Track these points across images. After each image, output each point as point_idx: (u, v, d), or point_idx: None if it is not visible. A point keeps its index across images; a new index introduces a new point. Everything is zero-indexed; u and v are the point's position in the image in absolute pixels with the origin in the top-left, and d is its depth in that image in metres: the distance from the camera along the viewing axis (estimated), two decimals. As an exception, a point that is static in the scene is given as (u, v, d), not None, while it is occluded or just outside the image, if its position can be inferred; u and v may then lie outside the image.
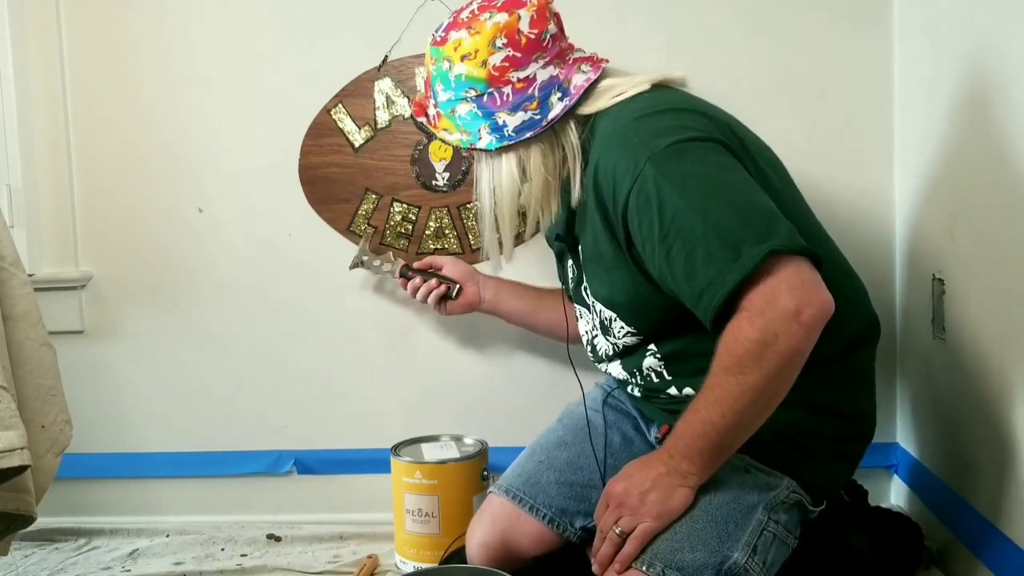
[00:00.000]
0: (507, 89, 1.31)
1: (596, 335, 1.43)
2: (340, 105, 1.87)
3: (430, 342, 1.91)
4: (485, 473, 1.71)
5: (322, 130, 1.87)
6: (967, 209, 1.46)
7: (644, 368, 1.38)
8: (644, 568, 1.17)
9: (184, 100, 1.90)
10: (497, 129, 1.32)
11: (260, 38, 1.87)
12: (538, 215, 1.36)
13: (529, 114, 1.31)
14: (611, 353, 1.42)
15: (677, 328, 1.29)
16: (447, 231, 1.88)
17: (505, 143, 1.32)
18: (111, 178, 1.93)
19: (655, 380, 1.38)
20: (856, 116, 1.77)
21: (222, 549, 1.86)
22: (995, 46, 1.34)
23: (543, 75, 1.31)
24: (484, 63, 1.29)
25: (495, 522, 1.46)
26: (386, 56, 1.84)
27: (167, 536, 1.92)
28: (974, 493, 1.46)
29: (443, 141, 1.40)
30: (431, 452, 1.73)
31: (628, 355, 1.40)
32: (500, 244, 1.43)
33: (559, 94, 1.32)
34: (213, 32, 1.88)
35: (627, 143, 1.23)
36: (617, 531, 1.19)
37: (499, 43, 1.29)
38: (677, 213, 1.16)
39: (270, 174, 1.89)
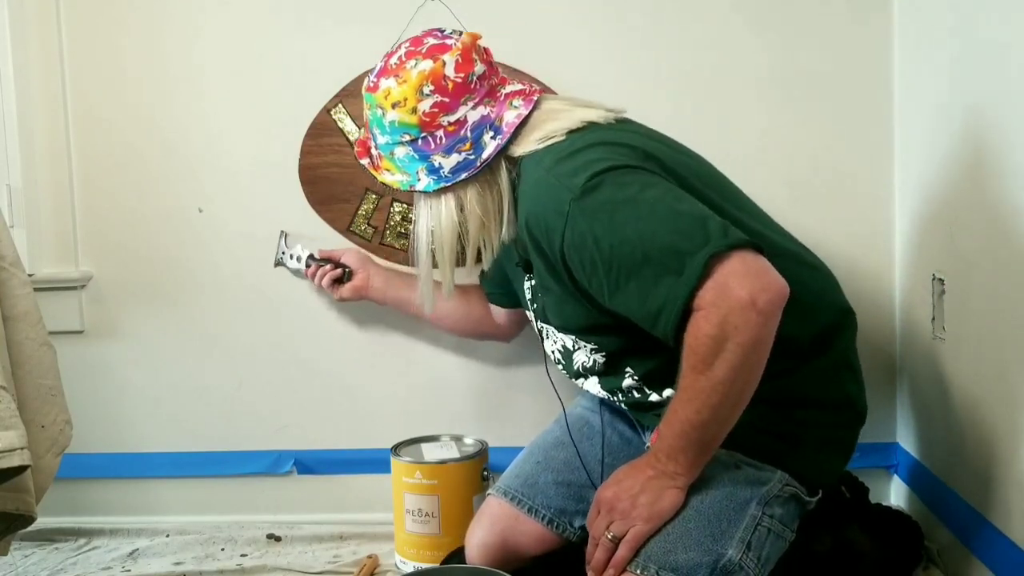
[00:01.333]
0: (439, 133, 1.33)
1: (577, 348, 1.41)
2: (340, 105, 1.86)
3: (430, 342, 1.90)
4: (485, 473, 1.71)
5: (322, 130, 1.87)
6: (967, 209, 1.46)
7: (624, 387, 1.38)
8: (639, 571, 1.17)
9: (184, 100, 1.90)
10: (434, 171, 1.35)
11: (260, 38, 1.87)
12: (479, 251, 1.38)
13: (463, 155, 1.33)
14: (589, 367, 1.41)
15: (645, 345, 1.28)
16: (447, 231, 1.88)
17: (443, 184, 1.35)
18: (111, 178, 1.93)
19: (636, 396, 1.39)
20: (856, 116, 1.77)
21: (222, 549, 1.86)
22: (996, 45, 1.34)
23: (474, 116, 1.33)
24: (414, 110, 1.32)
25: (494, 523, 1.46)
26: (386, 56, 1.83)
27: (167, 536, 1.92)
28: (974, 493, 1.46)
29: (385, 184, 1.42)
30: (431, 452, 1.73)
31: (605, 375, 1.40)
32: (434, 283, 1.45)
33: (491, 132, 1.33)
34: (213, 32, 1.88)
35: (550, 189, 1.25)
36: (609, 536, 1.20)
37: (426, 90, 1.31)
38: (613, 245, 1.18)
39: (270, 174, 1.89)
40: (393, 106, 1.33)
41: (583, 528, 1.45)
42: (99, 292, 1.96)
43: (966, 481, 1.49)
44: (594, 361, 1.39)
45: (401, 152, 1.36)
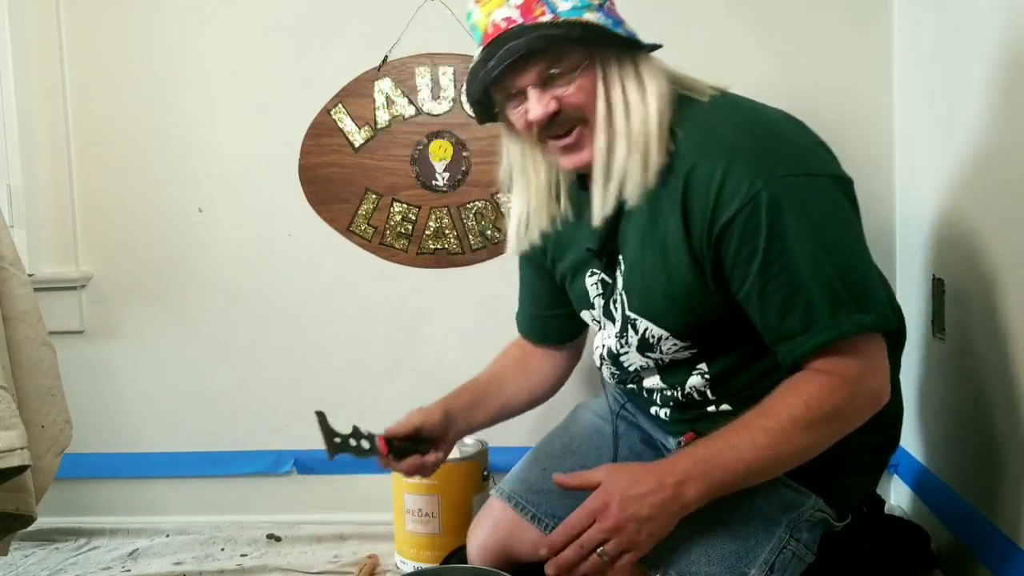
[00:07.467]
0: (612, 6, 1.22)
1: (627, 352, 1.31)
2: (340, 105, 1.87)
3: (430, 341, 1.90)
4: (485, 473, 1.71)
5: (322, 130, 1.87)
6: (967, 209, 1.46)
7: (687, 386, 1.29)
8: None
9: (184, 100, 1.90)
10: (631, 36, 1.20)
11: (260, 38, 1.87)
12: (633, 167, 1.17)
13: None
14: (647, 367, 1.31)
15: (732, 343, 1.24)
16: (447, 231, 1.88)
17: (646, 47, 1.21)
18: (111, 178, 1.93)
19: (696, 398, 1.30)
20: (856, 116, 1.77)
21: (222, 549, 1.86)
22: (995, 46, 1.34)
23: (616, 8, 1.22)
24: None
25: (496, 527, 1.44)
26: (386, 56, 1.84)
27: (167, 536, 1.92)
28: (974, 493, 1.46)
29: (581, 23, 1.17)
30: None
31: (671, 369, 1.30)
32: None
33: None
34: (214, 32, 1.88)
35: (740, 158, 1.13)
36: (599, 552, 1.12)
37: None
38: (785, 251, 1.11)
39: (270, 174, 1.89)
40: None
41: None
42: (99, 292, 1.96)
43: (967, 481, 1.49)
44: (672, 359, 1.28)
45: (592, 18, 1.17)
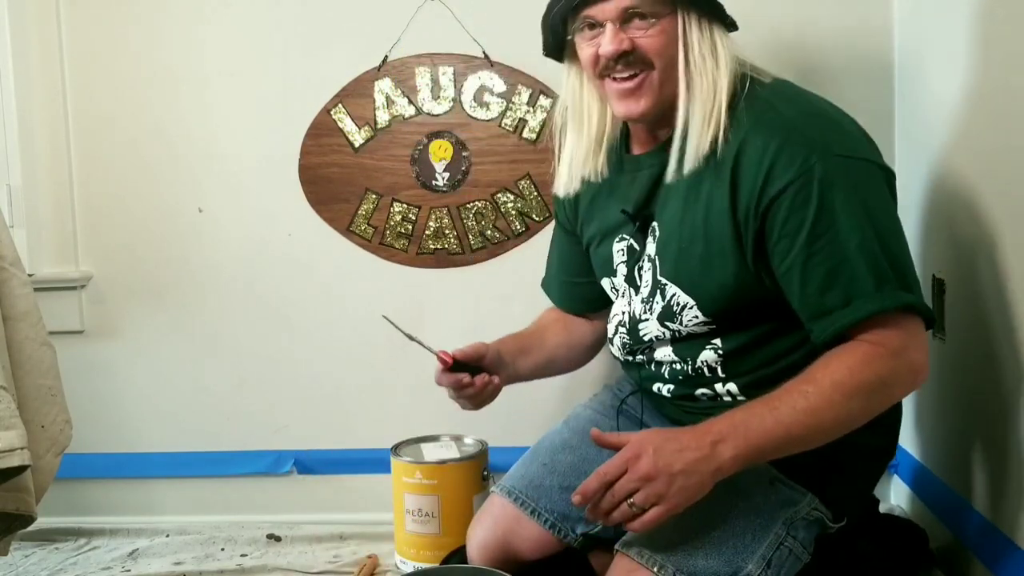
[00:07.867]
0: None
1: (647, 319, 1.33)
2: (340, 105, 1.87)
3: (430, 341, 1.90)
4: (485, 473, 1.71)
5: (322, 130, 1.87)
6: (967, 209, 1.46)
7: (699, 360, 1.31)
8: (655, 570, 1.16)
9: (185, 100, 1.90)
10: (721, 6, 1.24)
11: (261, 38, 1.88)
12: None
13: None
14: (663, 337, 1.32)
15: (751, 320, 1.25)
16: (447, 231, 1.88)
17: (731, 22, 1.24)
18: (111, 178, 1.93)
19: (706, 373, 1.32)
20: (855, 114, 1.76)
21: (222, 549, 1.87)
22: (996, 44, 1.34)
23: None
24: None
25: (496, 524, 1.45)
26: (386, 56, 1.84)
27: (167, 536, 1.92)
28: (974, 493, 1.46)
29: None
30: (431, 452, 1.73)
31: (685, 341, 1.32)
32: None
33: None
34: (214, 32, 1.88)
35: (796, 135, 1.17)
36: (629, 502, 1.11)
37: None
38: (833, 225, 1.14)
39: (270, 174, 1.89)
40: None
41: (585, 535, 1.43)
42: (99, 292, 1.96)
43: (966, 481, 1.49)
44: (688, 332, 1.29)
45: None
